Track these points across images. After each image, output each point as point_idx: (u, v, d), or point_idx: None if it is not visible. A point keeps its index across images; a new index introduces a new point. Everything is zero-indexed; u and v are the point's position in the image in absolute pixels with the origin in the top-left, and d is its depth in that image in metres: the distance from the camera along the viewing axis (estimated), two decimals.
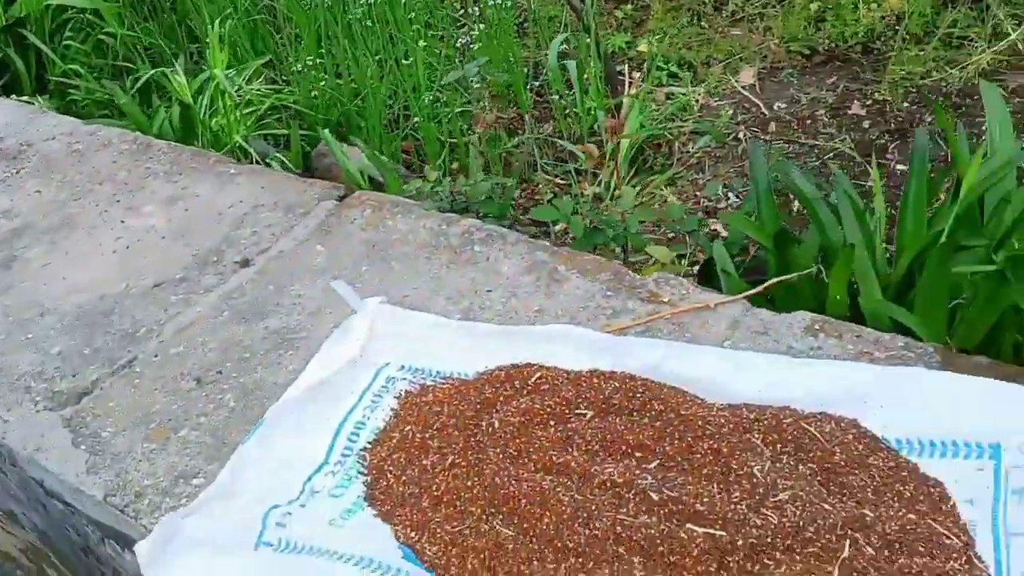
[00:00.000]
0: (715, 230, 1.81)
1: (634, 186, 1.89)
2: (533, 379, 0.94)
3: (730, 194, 1.92)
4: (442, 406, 0.93)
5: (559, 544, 0.78)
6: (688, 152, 2.06)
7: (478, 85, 1.70)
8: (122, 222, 1.31)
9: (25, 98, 1.82)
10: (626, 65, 2.32)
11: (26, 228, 1.33)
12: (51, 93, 2.04)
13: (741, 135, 2.08)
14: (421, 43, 2.08)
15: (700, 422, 0.85)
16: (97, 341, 1.10)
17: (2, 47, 2.04)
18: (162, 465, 0.92)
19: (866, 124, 2.03)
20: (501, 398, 0.93)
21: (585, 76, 2.14)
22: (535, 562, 0.76)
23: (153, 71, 1.96)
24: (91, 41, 2.17)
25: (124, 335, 1.11)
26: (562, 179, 2.03)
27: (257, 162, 1.84)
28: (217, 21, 1.95)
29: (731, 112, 2.15)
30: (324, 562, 0.77)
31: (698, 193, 1.94)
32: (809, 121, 2.08)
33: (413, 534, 0.81)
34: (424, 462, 0.88)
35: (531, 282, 1.08)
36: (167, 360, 1.06)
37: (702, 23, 2.46)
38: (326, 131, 1.71)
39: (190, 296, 1.15)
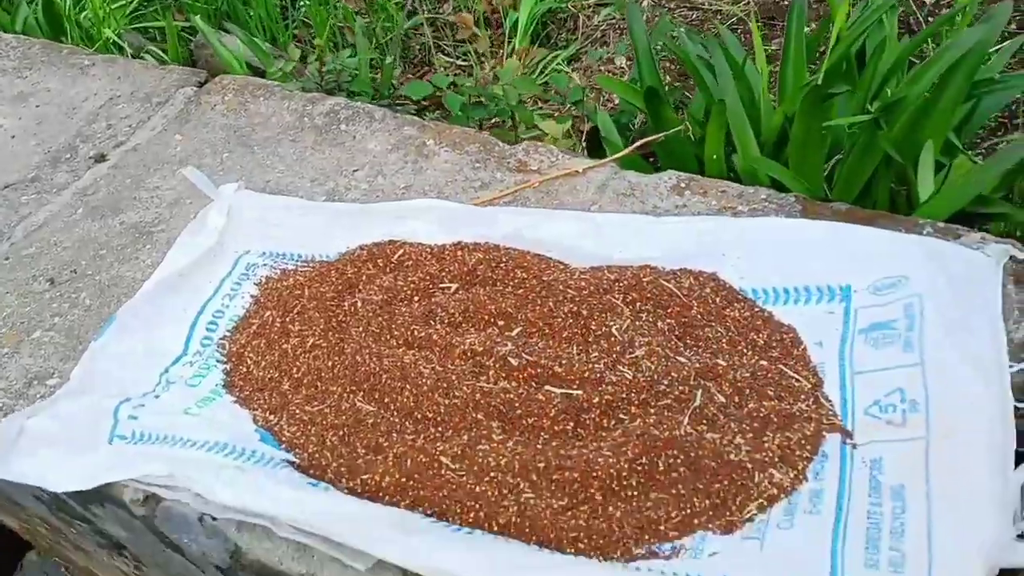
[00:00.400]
0: (618, 104, 1.77)
1: (535, 65, 1.83)
2: (396, 256, 0.91)
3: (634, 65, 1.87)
4: (303, 289, 0.90)
5: (419, 415, 0.77)
6: (592, 26, 1.99)
7: None
8: None
9: None
10: None
11: None
12: None
13: (645, 3, 2.01)
14: None
15: (561, 287, 0.84)
16: None
17: None
18: (14, 368, 0.88)
19: None
20: (364, 277, 0.90)
21: None
22: (394, 434, 0.75)
23: None
24: None
25: None
26: (464, 61, 1.95)
27: (133, 57, 1.72)
28: None
29: None
30: (178, 450, 0.75)
31: (602, 68, 1.88)
32: None
33: (271, 417, 0.80)
34: (284, 346, 0.85)
35: (398, 159, 1.04)
36: (19, 262, 1.00)
37: None
38: (197, 18, 1.60)
39: (42, 196, 1.09)
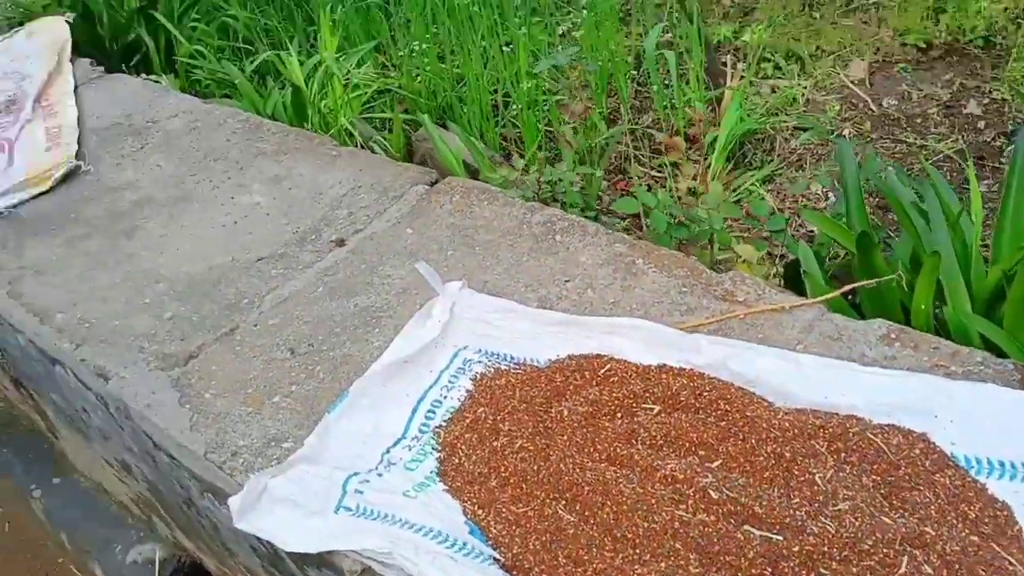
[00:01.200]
0: (811, 231, 1.77)
1: (729, 184, 1.88)
2: (603, 370, 0.97)
3: (831, 194, 1.88)
4: (514, 391, 0.97)
5: (618, 534, 0.80)
6: (790, 149, 2.02)
7: (572, 73, 1.72)
8: (232, 198, 1.41)
9: (154, 77, 1.95)
10: (730, 56, 2.29)
11: (148, 200, 1.44)
12: (177, 72, 2.18)
13: (847, 132, 2.02)
14: (523, 30, 2.11)
15: (764, 425, 0.87)
16: (204, 309, 1.19)
17: (135, 27, 2.19)
18: (256, 428, 1.00)
19: (981, 125, 1.93)
20: (571, 387, 0.96)
21: (687, 66, 2.12)
22: (594, 549, 0.80)
23: (267, 54, 2.07)
24: (215, 23, 2.30)
25: (228, 304, 1.19)
26: (658, 172, 2.02)
27: (362, 145, 1.92)
28: (329, 6, 2.03)
29: (838, 107, 2.09)
30: (396, 529, 0.83)
31: (799, 195, 1.90)
32: (920, 120, 2.01)
33: (480, 511, 0.86)
34: (494, 443, 0.92)
35: (608, 274, 1.11)
36: (265, 330, 1.14)
37: (813, 13, 2.39)
38: (425, 116, 1.77)
39: (289, 271, 1.23)
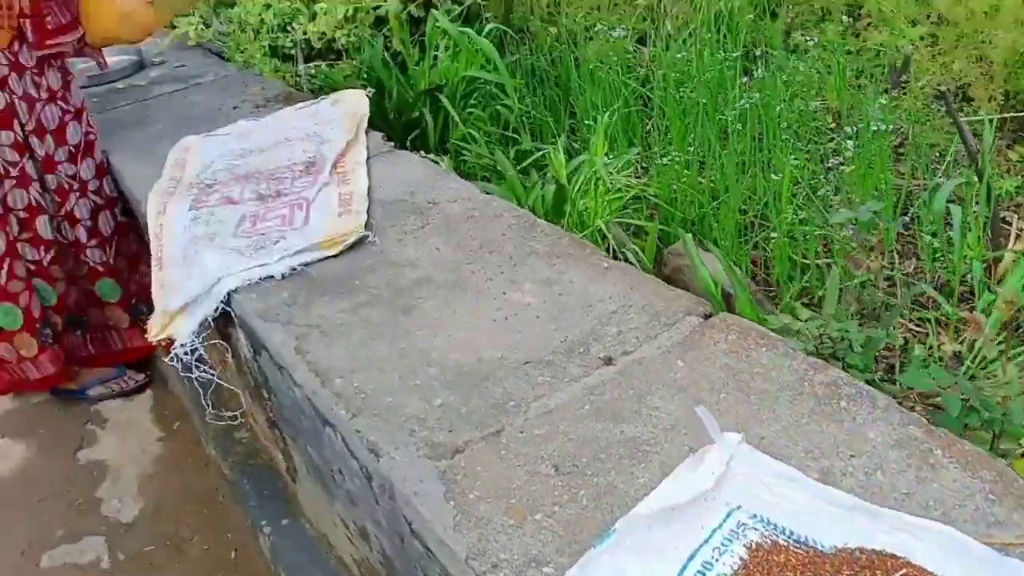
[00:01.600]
0: None
1: (1003, 351, 1.72)
2: (898, 574, 0.89)
3: None
4: (794, 572, 0.91)
5: None
6: None
7: (867, 231, 1.66)
8: (504, 293, 1.46)
9: (432, 156, 2.09)
10: (1011, 212, 2.13)
11: (426, 280, 1.52)
12: (449, 152, 2.33)
13: None
14: (792, 158, 2.07)
15: None
16: (472, 403, 1.23)
17: (420, 107, 2.37)
18: (518, 543, 1.00)
19: None
20: None
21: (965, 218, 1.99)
22: None
23: (542, 151, 2.16)
24: (489, 110, 2.44)
25: (495, 404, 1.22)
26: (916, 325, 1.90)
27: (613, 249, 1.94)
28: (606, 115, 2.10)
29: None
30: None
31: None
32: None
33: None
34: None
35: (901, 459, 1.03)
36: (530, 439, 1.15)
37: None
38: (688, 236, 1.77)
39: (555, 381, 1.25)
